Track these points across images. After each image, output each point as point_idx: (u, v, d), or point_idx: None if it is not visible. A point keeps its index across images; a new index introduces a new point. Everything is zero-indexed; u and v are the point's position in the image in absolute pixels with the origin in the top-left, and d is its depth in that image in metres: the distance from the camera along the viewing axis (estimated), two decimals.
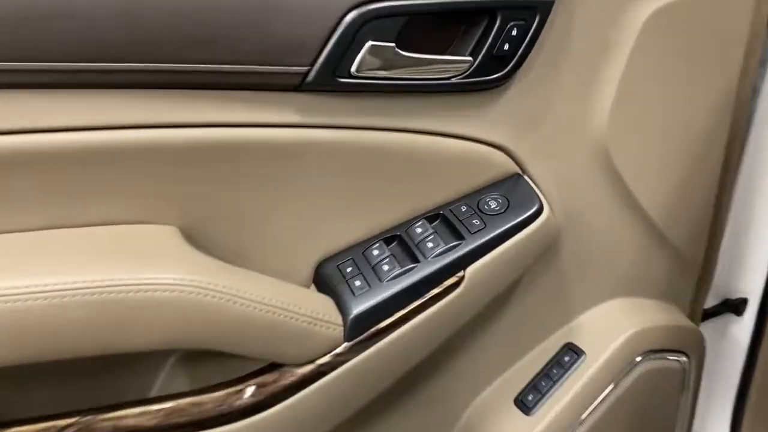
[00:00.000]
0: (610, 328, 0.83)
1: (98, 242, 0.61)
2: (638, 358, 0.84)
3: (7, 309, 0.54)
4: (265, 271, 0.67)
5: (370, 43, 0.63)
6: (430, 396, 0.81)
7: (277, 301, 0.63)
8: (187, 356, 0.71)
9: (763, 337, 1.05)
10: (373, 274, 0.69)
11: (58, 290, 0.55)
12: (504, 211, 0.72)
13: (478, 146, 0.72)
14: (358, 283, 0.69)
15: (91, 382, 0.68)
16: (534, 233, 0.72)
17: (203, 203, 0.65)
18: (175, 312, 0.58)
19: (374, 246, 0.72)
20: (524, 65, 0.69)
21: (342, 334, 0.66)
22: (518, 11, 0.66)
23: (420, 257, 0.69)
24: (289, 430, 0.65)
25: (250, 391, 0.64)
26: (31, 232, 0.61)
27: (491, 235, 0.71)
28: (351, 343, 0.66)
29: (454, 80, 0.68)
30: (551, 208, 0.74)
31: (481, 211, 0.72)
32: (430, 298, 0.69)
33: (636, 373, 0.83)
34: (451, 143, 0.71)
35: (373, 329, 0.67)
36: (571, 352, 0.84)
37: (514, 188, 0.74)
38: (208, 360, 0.70)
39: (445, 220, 0.72)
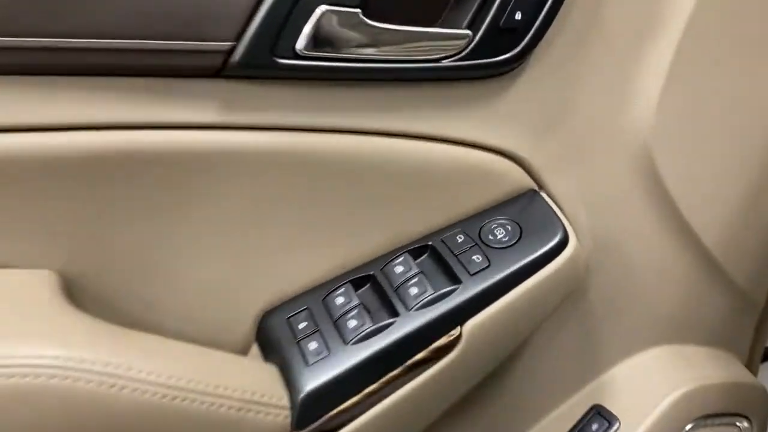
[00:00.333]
0: (652, 386, 0.70)
1: None
2: (688, 426, 0.70)
3: None
4: (186, 329, 0.53)
5: (323, 7, 0.47)
6: None
7: (191, 381, 0.46)
8: None
9: None
10: (334, 332, 0.53)
11: None
12: (515, 243, 0.56)
13: (479, 153, 0.57)
14: (313, 345, 0.52)
15: None
16: (557, 273, 0.56)
17: (94, 236, 0.50)
18: (36, 407, 0.42)
19: (338, 291, 0.55)
20: (542, 43, 0.55)
21: (289, 421, 0.50)
22: None
23: (400, 308, 0.53)
24: None
25: None
26: None
27: (498, 276, 0.54)
28: None
29: (445, 63, 0.52)
30: (578, 237, 0.59)
31: (484, 242, 0.56)
32: (412, 367, 0.53)
33: None
34: (443, 150, 0.56)
35: (333, 412, 0.51)
36: (601, 418, 0.70)
37: (528, 210, 0.58)
38: None
39: (436, 254, 0.56)
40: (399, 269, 0.55)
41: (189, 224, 0.52)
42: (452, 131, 0.55)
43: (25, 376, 0.41)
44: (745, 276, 0.72)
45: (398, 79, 0.52)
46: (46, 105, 0.46)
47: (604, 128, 0.60)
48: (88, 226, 0.49)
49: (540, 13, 0.52)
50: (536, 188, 0.59)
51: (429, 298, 0.53)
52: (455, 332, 0.53)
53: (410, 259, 0.56)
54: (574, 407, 0.70)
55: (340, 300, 0.54)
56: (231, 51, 0.46)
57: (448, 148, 0.55)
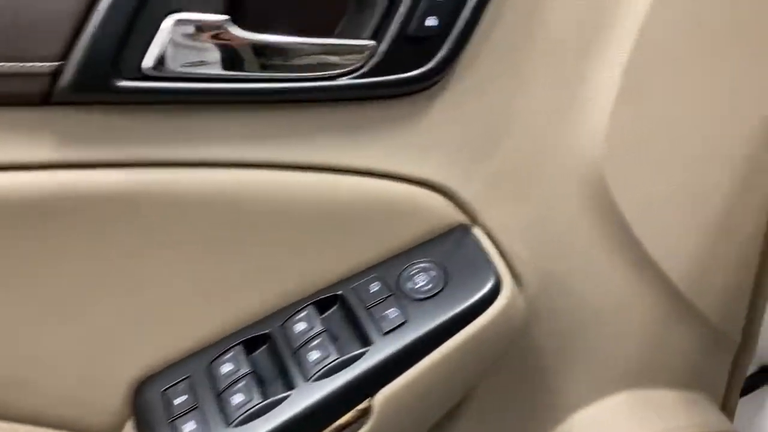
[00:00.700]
0: None
1: None
2: None
3: None
4: (49, 409, 0.45)
5: (176, 16, 0.38)
6: None
7: None
8: None
9: None
10: (216, 409, 0.44)
11: None
12: (438, 292, 0.47)
13: (394, 185, 0.49)
14: (189, 427, 0.43)
15: None
16: (488, 327, 0.48)
17: None
18: None
19: (226, 356, 0.46)
20: (466, 54, 0.47)
21: None
22: None
23: (297, 378, 0.44)
24: None
25: None
26: None
27: (415, 335, 0.45)
28: None
29: (343, 81, 0.44)
30: (518, 279, 0.51)
31: (402, 291, 0.47)
32: None
33: None
34: (350, 183, 0.48)
35: None
36: None
37: (456, 251, 0.50)
38: None
39: (345, 307, 0.48)
40: (300, 327, 0.46)
41: (42, 285, 0.43)
42: (358, 160, 0.46)
43: None
44: (718, 310, 0.65)
45: (284, 102, 0.43)
46: None
47: (547, 152, 0.52)
48: None
49: (458, 17, 0.43)
50: (468, 224, 0.51)
51: (332, 364, 0.44)
52: (364, 405, 0.44)
53: (315, 313, 0.47)
54: None
55: (227, 367, 0.45)
56: (57, 72, 0.37)
57: (356, 180, 0.47)
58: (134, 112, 0.40)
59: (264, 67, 0.41)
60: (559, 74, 0.51)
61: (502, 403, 0.59)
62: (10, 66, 0.36)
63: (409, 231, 0.49)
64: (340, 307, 0.47)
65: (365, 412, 0.44)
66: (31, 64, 0.36)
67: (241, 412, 0.42)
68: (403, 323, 0.45)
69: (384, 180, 0.48)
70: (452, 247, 0.49)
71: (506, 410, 0.60)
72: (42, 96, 0.38)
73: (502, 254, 0.51)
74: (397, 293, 0.47)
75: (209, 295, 0.46)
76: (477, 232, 0.50)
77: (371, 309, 0.46)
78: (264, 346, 0.47)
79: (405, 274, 0.47)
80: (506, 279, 0.48)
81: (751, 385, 0.82)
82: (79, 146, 0.40)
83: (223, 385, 0.44)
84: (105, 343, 0.45)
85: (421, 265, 0.48)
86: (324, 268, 0.48)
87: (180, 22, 0.37)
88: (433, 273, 0.47)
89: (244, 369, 0.45)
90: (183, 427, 0.43)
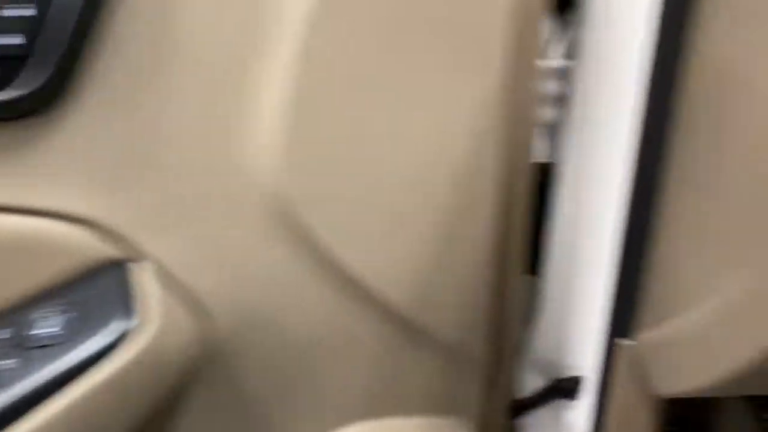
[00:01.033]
0: None
1: None
2: None
3: None
4: None
5: None
6: None
7: None
8: None
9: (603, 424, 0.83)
10: None
11: None
12: (67, 337, 0.42)
13: (23, 221, 0.43)
14: None
15: None
16: (124, 369, 0.43)
17: None
18: None
19: None
20: (89, 71, 0.43)
21: None
22: None
23: None
24: None
25: None
26: None
27: (33, 385, 0.40)
28: None
29: None
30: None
31: (26, 338, 0.42)
32: None
33: None
34: None
35: None
36: None
37: (95, 290, 0.45)
38: None
39: None
40: None
41: None
42: None
43: None
44: (452, 330, 0.61)
45: None
46: None
47: (213, 172, 0.48)
48: None
49: (47, 35, 0.38)
50: (121, 259, 0.46)
51: None
52: None
53: None
54: None
55: None
56: None
57: None
58: None
59: None
60: (212, 89, 0.46)
61: None
62: None
63: (45, 270, 0.44)
64: None
65: None
66: None
67: None
68: (19, 373, 0.40)
69: (8, 215, 0.43)
70: (90, 287, 0.44)
71: None
72: None
73: (180, 286, 0.47)
74: (19, 340, 0.42)
75: None
76: (131, 266, 0.45)
77: None
78: None
79: (30, 319, 0.42)
80: (152, 317, 0.43)
81: (539, 401, 0.80)
82: None
83: None
84: None
85: (51, 308, 0.43)
86: None
87: None
88: (62, 317, 0.42)
89: None
90: None
